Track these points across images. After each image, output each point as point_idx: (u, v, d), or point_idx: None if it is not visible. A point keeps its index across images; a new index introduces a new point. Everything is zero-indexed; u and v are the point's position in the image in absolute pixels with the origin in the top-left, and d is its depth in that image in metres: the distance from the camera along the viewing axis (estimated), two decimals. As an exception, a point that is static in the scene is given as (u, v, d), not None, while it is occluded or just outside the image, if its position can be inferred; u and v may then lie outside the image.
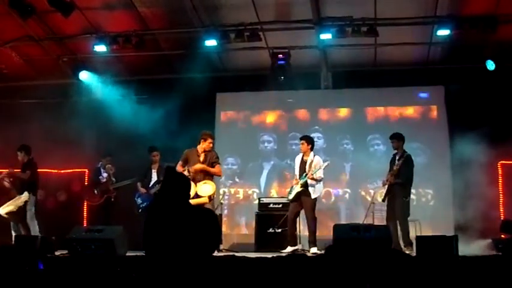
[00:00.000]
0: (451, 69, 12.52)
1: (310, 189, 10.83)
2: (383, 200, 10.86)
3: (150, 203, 11.31)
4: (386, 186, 10.73)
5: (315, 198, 10.91)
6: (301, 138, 11.26)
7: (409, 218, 10.61)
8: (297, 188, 10.90)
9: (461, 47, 12.21)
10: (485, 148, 11.76)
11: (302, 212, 11.08)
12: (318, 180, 10.89)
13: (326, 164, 11.00)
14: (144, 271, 4.68)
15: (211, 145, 10.24)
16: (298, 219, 11.14)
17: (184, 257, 4.64)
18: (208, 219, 4.94)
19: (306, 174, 10.82)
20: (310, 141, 11.20)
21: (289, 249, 10.77)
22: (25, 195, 11.32)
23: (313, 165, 10.85)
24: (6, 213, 11.24)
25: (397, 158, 10.81)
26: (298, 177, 11.01)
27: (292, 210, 11.03)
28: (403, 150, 10.81)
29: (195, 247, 4.70)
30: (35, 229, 11.21)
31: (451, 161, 12.57)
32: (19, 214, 11.26)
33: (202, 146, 10.20)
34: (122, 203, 11.93)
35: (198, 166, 9.97)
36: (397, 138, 10.86)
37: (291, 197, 11.03)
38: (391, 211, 10.68)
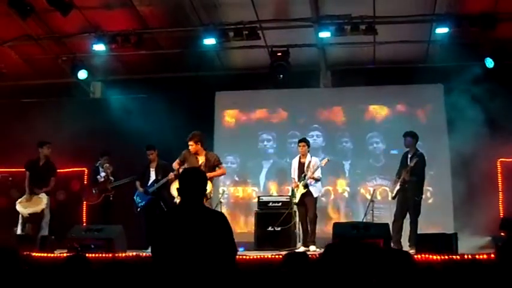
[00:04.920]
0: (450, 67, 12.51)
1: (312, 188, 11.15)
2: (393, 198, 10.89)
3: (147, 202, 11.33)
4: (399, 183, 10.71)
5: (316, 197, 11.27)
6: (302, 141, 11.44)
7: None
8: (301, 190, 11.13)
9: (460, 45, 12.20)
10: (484, 146, 11.78)
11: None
12: (317, 180, 11.20)
13: (325, 160, 11.21)
14: (152, 274, 4.60)
15: (194, 146, 10.35)
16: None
17: (205, 263, 4.50)
18: (224, 223, 4.81)
19: (305, 175, 10.99)
20: (309, 143, 11.51)
21: (302, 249, 10.88)
22: (46, 198, 11.39)
23: (311, 166, 11.07)
24: (30, 214, 11.28)
25: (409, 155, 10.79)
26: (297, 180, 11.20)
27: (300, 212, 11.35)
28: (416, 148, 10.80)
29: (216, 253, 4.57)
30: (45, 232, 11.25)
31: (450, 158, 12.58)
32: (39, 216, 11.31)
33: (193, 149, 10.39)
34: (121, 202, 11.92)
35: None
36: (411, 136, 10.83)
37: (296, 200, 11.27)
38: (401, 209, 10.70)
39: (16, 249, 5.09)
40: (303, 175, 11.15)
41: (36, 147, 11.83)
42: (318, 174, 11.20)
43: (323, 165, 11.28)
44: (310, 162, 11.21)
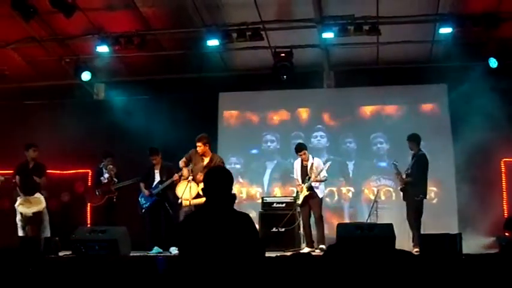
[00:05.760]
0: (454, 67, 12.50)
1: (316, 190, 11.15)
2: (403, 199, 10.95)
3: (152, 204, 11.32)
4: (402, 184, 10.88)
5: (322, 198, 11.30)
6: (300, 150, 11.40)
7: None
8: (304, 193, 11.16)
9: (463, 44, 12.18)
10: (488, 146, 11.77)
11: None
12: (323, 181, 11.22)
13: (328, 164, 11.27)
14: (179, 275, 4.48)
15: (202, 147, 10.51)
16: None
17: (233, 266, 4.41)
18: (251, 225, 4.71)
19: (310, 178, 11.00)
20: (306, 147, 11.54)
21: (306, 249, 10.90)
22: (43, 197, 11.42)
23: (314, 168, 11.08)
24: (33, 213, 11.29)
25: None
26: (300, 182, 11.24)
27: (304, 213, 11.33)
28: (418, 149, 10.85)
29: (244, 256, 4.48)
30: (48, 232, 11.25)
31: (454, 159, 12.57)
32: (40, 215, 11.31)
33: (199, 150, 10.57)
34: (125, 203, 11.91)
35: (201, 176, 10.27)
36: (409, 139, 10.95)
37: (299, 202, 11.30)
38: (407, 209, 10.80)
39: (20, 250, 5.10)
40: (307, 178, 11.16)
41: (39, 150, 11.79)
42: (323, 175, 11.19)
43: (326, 168, 11.30)
44: (312, 163, 11.22)
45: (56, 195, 12.12)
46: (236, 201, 12.64)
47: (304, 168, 11.31)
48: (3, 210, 12.66)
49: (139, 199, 11.50)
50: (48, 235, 11.05)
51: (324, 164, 11.37)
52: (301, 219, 11.44)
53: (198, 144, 10.46)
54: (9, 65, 13.68)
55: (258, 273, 4.41)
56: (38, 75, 14.24)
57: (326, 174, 11.26)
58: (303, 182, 11.22)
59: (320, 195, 11.21)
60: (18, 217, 11.33)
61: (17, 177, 11.60)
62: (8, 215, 11.99)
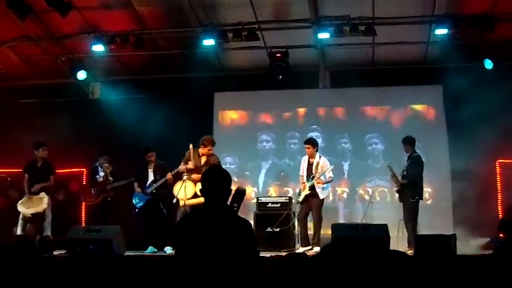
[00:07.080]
0: (449, 69, 12.51)
1: (318, 190, 11.02)
2: (400, 200, 11.01)
3: (145, 203, 11.29)
4: (398, 186, 10.94)
5: (323, 199, 11.16)
6: (305, 143, 11.33)
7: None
8: (306, 191, 11.04)
9: (459, 46, 12.21)
10: (483, 147, 11.76)
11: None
12: (329, 182, 11.14)
13: (331, 168, 11.16)
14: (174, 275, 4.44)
15: (210, 151, 10.56)
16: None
17: (224, 271, 4.36)
18: (249, 232, 4.64)
19: (313, 177, 10.93)
20: (315, 143, 11.36)
21: (301, 249, 10.83)
22: (47, 197, 11.39)
23: (319, 167, 10.99)
24: (32, 214, 11.27)
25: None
26: (305, 179, 11.13)
27: (301, 211, 11.23)
28: (413, 151, 10.91)
29: (236, 261, 4.43)
30: (48, 232, 11.24)
31: (449, 159, 12.58)
32: (41, 216, 11.30)
33: (202, 151, 10.69)
34: (119, 203, 11.90)
35: (197, 176, 10.33)
36: (404, 142, 11.03)
37: (300, 199, 11.18)
38: (403, 212, 10.85)
39: (14, 249, 5.09)
40: (311, 176, 11.07)
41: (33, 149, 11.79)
42: (328, 175, 11.06)
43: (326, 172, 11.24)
44: (318, 163, 11.13)
45: (50, 195, 12.07)
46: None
47: (309, 166, 11.21)
48: (-1, 209, 12.66)
49: (133, 199, 11.46)
50: (48, 235, 11.05)
51: (331, 165, 11.31)
52: (296, 218, 11.41)
53: (209, 147, 10.67)
54: (5, 63, 13.68)
55: (250, 278, 4.39)
56: (33, 74, 14.21)
57: (332, 175, 11.17)
58: (307, 180, 11.14)
59: (322, 196, 11.06)
60: (21, 215, 11.35)
61: (26, 175, 11.62)
62: (3, 213, 11.98)
